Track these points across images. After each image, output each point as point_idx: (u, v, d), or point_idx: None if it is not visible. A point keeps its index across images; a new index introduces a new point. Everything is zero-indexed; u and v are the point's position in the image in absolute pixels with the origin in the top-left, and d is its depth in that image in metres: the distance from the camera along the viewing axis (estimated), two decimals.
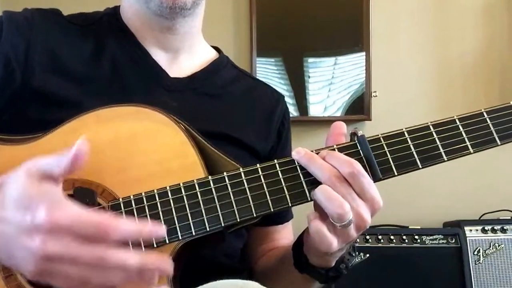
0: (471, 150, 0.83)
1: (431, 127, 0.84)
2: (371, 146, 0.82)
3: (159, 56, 1.06)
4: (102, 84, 0.99)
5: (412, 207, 2.40)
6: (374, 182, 0.80)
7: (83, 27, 1.05)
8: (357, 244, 2.22)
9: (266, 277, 1.07)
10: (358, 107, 2.43)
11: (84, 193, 0.80)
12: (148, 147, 0.83)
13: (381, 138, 0.83)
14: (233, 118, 1.07)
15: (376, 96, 2.41)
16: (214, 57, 1.14)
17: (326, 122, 2.38)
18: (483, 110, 0.85)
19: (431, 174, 2.34)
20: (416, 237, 2.09)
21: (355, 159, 0.80)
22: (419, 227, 2.17)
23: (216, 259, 0.98)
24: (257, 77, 1.26)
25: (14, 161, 0.79)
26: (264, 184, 0.81)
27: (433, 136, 0.83)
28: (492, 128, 0.85)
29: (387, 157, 0.82)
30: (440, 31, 2.53)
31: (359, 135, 0.82)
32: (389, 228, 2.16)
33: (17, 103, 0.95)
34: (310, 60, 2.45)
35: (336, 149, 0.82)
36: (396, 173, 0.82)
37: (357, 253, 0.91)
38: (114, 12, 1.09)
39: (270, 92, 1.19)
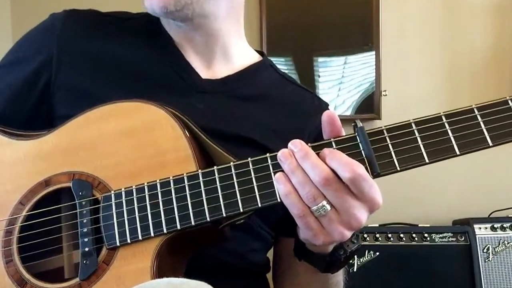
0: (490, 143, 0.75)
1: (443, 117, 0.77)
2: (373, 138, 0.77)
3: (194, 59, 1.05)
4: (130, 82, 1.00)
5: (422, 205, 2.41)
6: (374, 178, 0.76)
7: (119, 20, 1.07)
8: (366, 242, 2.24)
9: (282, 276, 1.07)
10: (368, 106, 2.44)
11: (80, 185, 0.84)
12: (145, 141, 0.85)
13: (384, 131, 0.78)
14: (263, 123, 1.04)
15: (386, 95, 2.42)
16: (254, 61, 1.12)
17: None
18: (507, 98, 0.77)
19: (440, 172, 2.35)
20: (426, 235, 2.10)
21: (353, 152, 0.76)
22: (428, 225, 2.18)
23: (224, 259, 0.96)
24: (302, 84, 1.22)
25: (23, 155, 0.88)
26: (253, 178, 0.79)
27: (445, 128, 0.76)
28: None
29: (389, 151, 0.76)
30: (449, 29, 2.53)
31: (358, 126, 0.78)
32: (398, 226, 2.18)
33: (46, 103, 1.00)
34: (320, 59, 2.46)
35: (333, 143, 0.78)
36: (398, 168, 0.76)
37: (359, 240, 0.86)
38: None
39: (311, 100, 1.15)
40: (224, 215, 0.79)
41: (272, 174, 0.78)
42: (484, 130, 0.75)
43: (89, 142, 0.87)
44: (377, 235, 2.09)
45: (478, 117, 0.76)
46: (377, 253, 2.08)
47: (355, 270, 2.03)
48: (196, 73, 1.04)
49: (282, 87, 1.13)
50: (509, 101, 0.76)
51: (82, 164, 0.86)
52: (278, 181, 0.77)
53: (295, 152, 0.76)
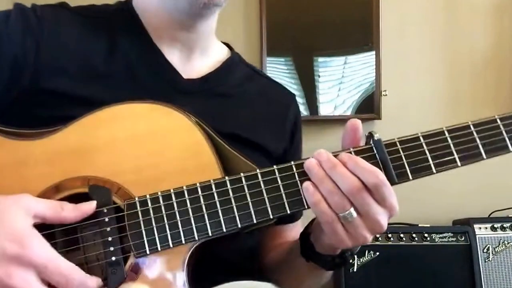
0: (484, 156, 0.84)
1: (446, 132, 0.84)
2: (387, 150, 0.82)
3: (173, 56, 1.05)
4: (114, 82, 0.98)
5: (422, 205, 2.40)
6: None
7: (95, 19, 1.03)
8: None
9: (275, 269, 1.08)
10: (368, 106, 2.44)
11: (99, 191, 0.81)
12: (164, 145, 0.83)
13: (397, 142, 0.83)
14: (245, 118, 1.07)
15: (386, 95, 2.41)
16: (226, 57, 1.14)
17: (336, 121, 2.39)
18: (496, 117, 0.86)
19: (441, 172, 2.35)
20: (426, 235, 2.10)
21: (371, 162, 0.80)
22: (428, 225, 2.18)
23: (230, 258, 0.98)
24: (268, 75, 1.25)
25: (28, 157, 0.83)
26: (281, 186, 0.81)
27: (448, 142, 0.84)
28: (505, 135, 0.86)
29: (403, 162, 0.82)
30: (450, 29, 2.53)
31: (376, 138, 0.82)
32: (398, 226, 2.17)
33: (25, 101, 0.93)
34: (320, 59, 2.46)
35: (352, 152, 0.82)
36: (411, 178, 0.83)
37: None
38: (127, 7, 1.07)
39: (283, 91, 1.20)
40: (255, 221, 0.81)
41: (299, 182, 0.81)
42: (480, 146, 0.85)
43: (102, 144, 0.83)
44: (377, 235, 2.09)
45: (474, 133, 0.85)
46: (377, 253, 2.08)
47: (355, 270, 2.03)
48: (177, 73, 1.04)
49: (255, 81, 1.16)
50: (498, 120, 0.86)
51: (97, 168, 0.82)
52: (307, 190, 0.80)
53: (322, 162, 0.80)
